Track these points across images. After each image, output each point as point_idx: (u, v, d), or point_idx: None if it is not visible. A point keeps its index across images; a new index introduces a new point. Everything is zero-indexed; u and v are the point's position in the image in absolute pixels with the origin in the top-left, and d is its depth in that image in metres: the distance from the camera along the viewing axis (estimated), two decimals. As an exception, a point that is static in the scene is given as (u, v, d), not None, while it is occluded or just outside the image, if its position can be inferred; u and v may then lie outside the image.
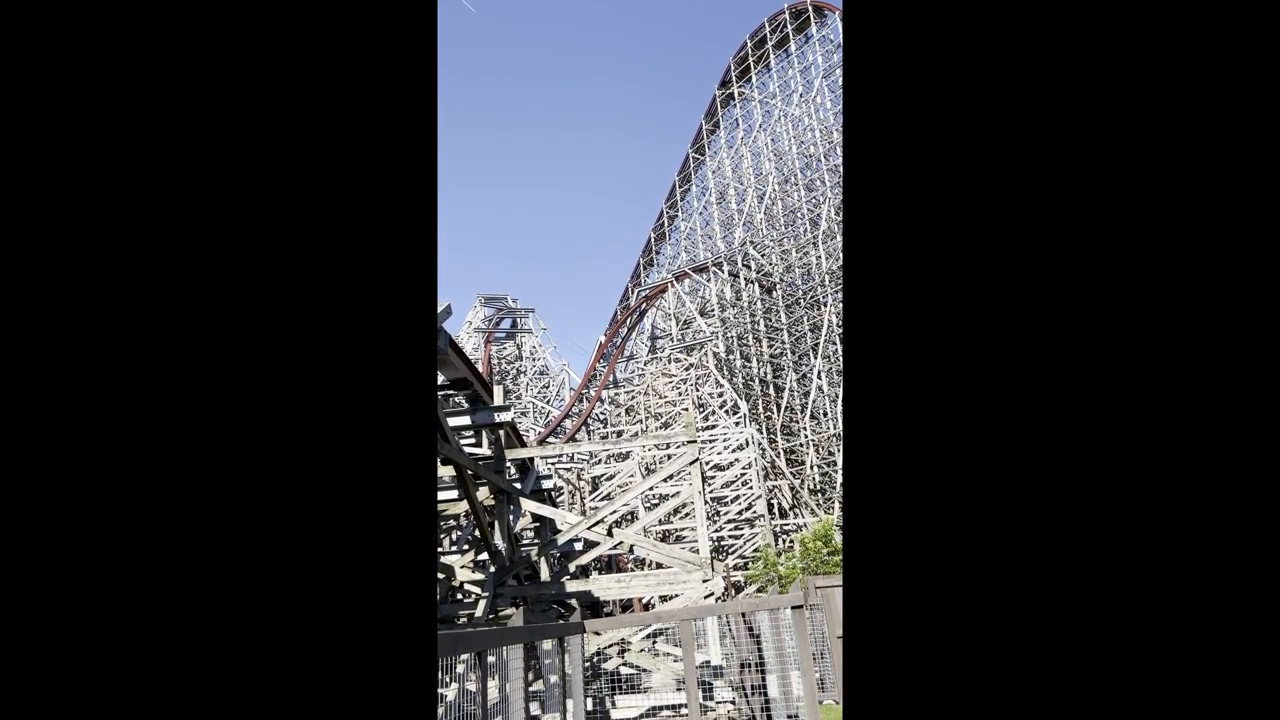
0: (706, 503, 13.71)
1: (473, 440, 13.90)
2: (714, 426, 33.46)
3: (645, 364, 42.70)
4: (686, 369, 38.57)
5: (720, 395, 36.10)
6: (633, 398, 39.81)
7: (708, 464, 28.83)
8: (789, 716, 7.04)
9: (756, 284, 41.98)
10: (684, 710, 8.98)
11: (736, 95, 50.13)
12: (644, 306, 46.15)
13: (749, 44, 49.78)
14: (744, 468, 31.72)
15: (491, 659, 5.91)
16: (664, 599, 16.07)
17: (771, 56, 48.37)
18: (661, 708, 9.96)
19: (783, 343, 41.14)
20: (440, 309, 9.87)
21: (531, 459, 15.83)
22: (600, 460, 33.75)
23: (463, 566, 14.01)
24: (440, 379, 10.79)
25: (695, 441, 13.66)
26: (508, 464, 13.78)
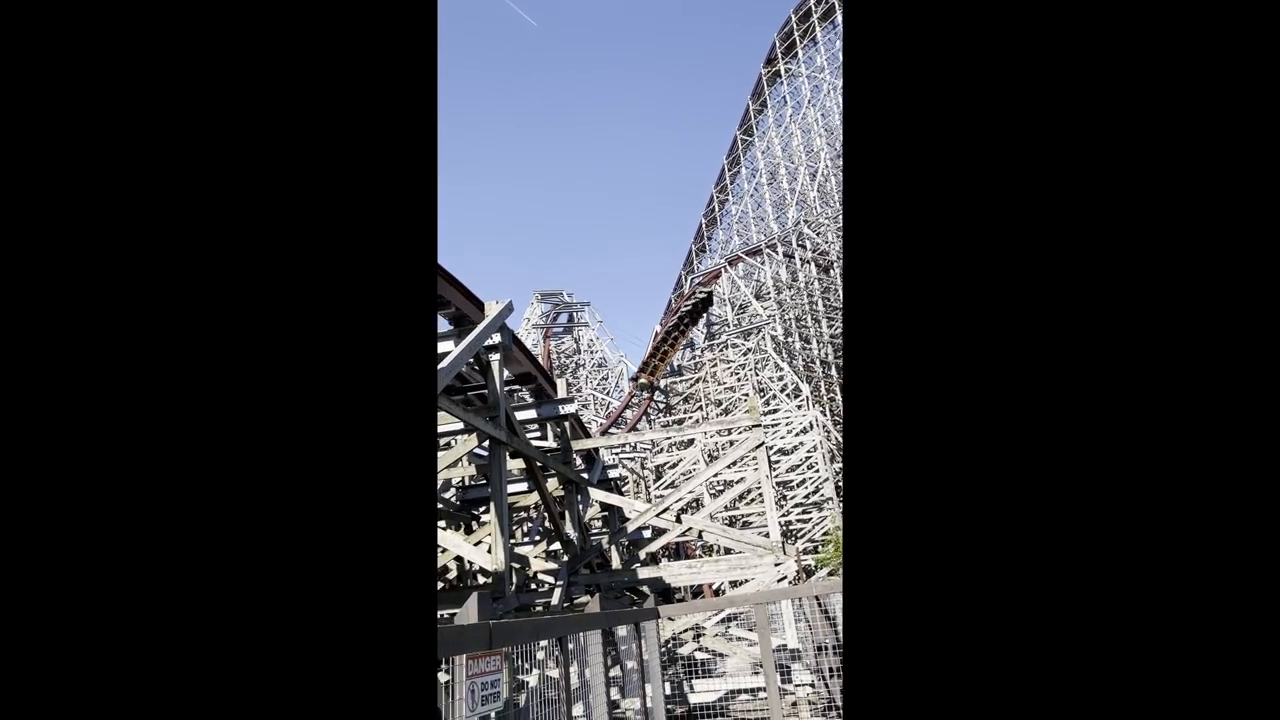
0: (773, 487, 13.59)
1: (538, 434, 14.18)
2: (776, 411, 33.09)
3: (702, 351, 42.52)
4: (745, 354, 38.22)
5: (781, 379, 35.65)
6: (692, 385, 39.73)
7: (771, 448, 28.53)
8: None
9: (813, 263, 41.15)
10: (762, 694, 8.98)
11: (783, 72, 49.04)
12: (698, 293, 45.90)
13: (793, 18, 48.59)
14: (809, 451, 31.28)
15: (571, 646, 6.05)
16: (734, 584, 16.07)
17: (817, 29, 47.07)
18: (739, 691, 9.98)
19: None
20: (501, 306, 10.09)
21: (596, 449, 16.04)
22: (662, 449, 33.87)
23: (536, 557, 14.34)
24: (506, 374, 11.04)
25: (759, 426, 13.55)
26: (574, 455, 14.01)
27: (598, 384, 48.92)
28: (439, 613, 10.26)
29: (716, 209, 51.74)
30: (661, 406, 40.41)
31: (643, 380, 35.39)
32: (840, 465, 32.74)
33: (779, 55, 49.38)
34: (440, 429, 11.87)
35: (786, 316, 39.33)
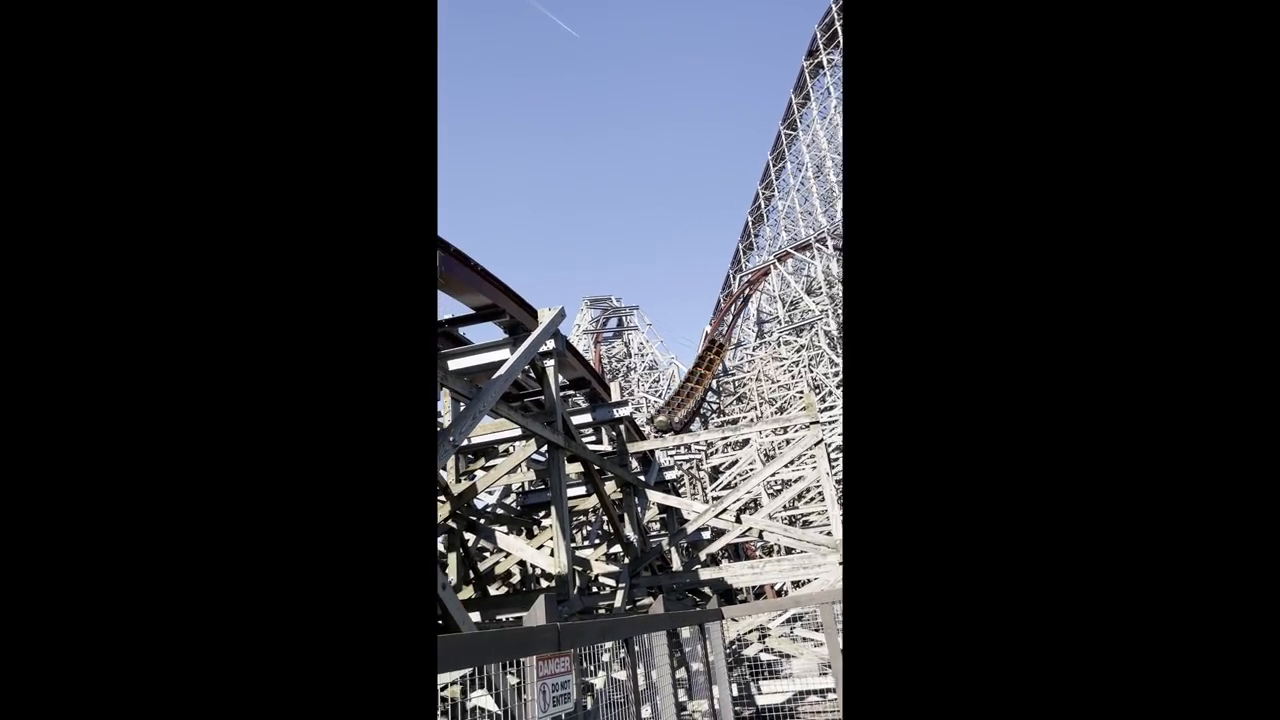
0: (834, 485, 13.34)
1: (593, 438, 14.29)
2: (832, 408, 32.47)
3: (754, 350, 42.11)
4: (797, 351, 37.67)
5: (836, 374, 34.97)
6: (744, 384, 39.38)
7: (830, 445, 28.00)
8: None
9: (864, 256, 40.09)
10: (831, 695, 8.80)
11: (825, 63, 48.19)
12: (747, 292, 45.49)
13: (834, 8, 47.72)
14: (868, 447, 30.42)
15: (636, 647, 6.06)
16: (797, 584, 15.81)
17: (859, 16, 45.97)
18: (808, 692, 9.82)
19: (898, 314, 39.09)
20: (554, 313, 10.21)
21: (652, 451, 16.07)
22: (717, 449, 33.66)
23: (597, 560, 14.44)
24: (561, 380, 11.17)
25: (817, 423, 13.32)
26: (630, 458, 14.05)
27: (649, 386, 48.99)
28: (504, 616, 10.43)
29: (763, 205, 51.17)
30: (715, 407, 40.17)
31: (660, 420, 34.16)
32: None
33: (820, 46, 48.57)
34: (499, 435, 12.10)
35: (840, 311, 38.56)
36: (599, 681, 6.06)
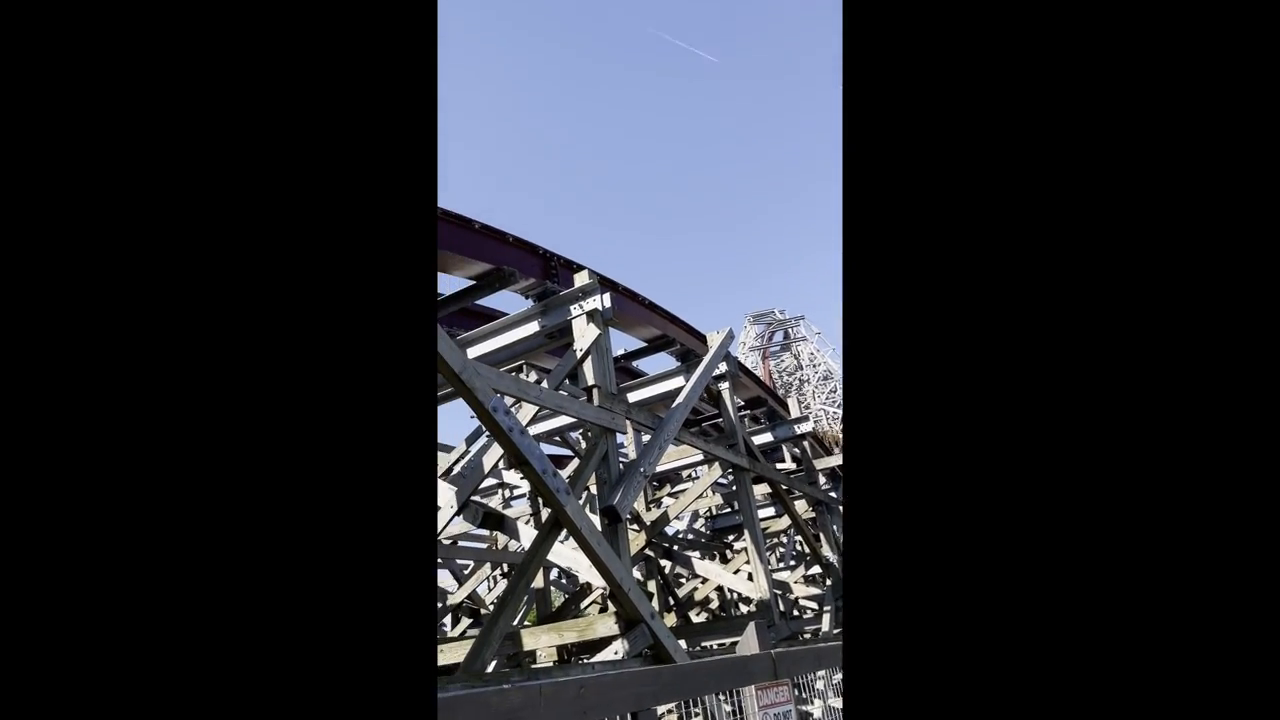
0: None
1: (775, 457, 13.98)
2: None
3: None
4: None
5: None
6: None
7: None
8: None
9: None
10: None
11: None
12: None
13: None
14: (1091, 440, 26.87)
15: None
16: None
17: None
18: None
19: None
20: (723, 335, 10.23)
21: (841, 466, 15.37)
22: (910, 457, 31.43)
23: (796, 582, 14.00)
24: (737, 401, 11.10)
25: (1026, 418, 11.98)
26: (818, 474, 13.55)
27: (826, 397, 47.29)
28: (708, 643, 10.41)
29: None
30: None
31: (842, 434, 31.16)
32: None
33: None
34: (681, 462, 12.26)
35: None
36: (816, 710, 5.80)
